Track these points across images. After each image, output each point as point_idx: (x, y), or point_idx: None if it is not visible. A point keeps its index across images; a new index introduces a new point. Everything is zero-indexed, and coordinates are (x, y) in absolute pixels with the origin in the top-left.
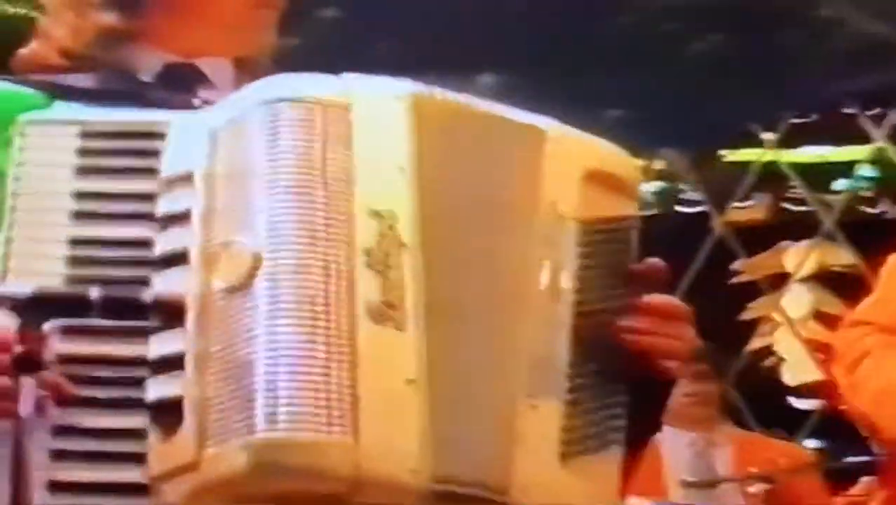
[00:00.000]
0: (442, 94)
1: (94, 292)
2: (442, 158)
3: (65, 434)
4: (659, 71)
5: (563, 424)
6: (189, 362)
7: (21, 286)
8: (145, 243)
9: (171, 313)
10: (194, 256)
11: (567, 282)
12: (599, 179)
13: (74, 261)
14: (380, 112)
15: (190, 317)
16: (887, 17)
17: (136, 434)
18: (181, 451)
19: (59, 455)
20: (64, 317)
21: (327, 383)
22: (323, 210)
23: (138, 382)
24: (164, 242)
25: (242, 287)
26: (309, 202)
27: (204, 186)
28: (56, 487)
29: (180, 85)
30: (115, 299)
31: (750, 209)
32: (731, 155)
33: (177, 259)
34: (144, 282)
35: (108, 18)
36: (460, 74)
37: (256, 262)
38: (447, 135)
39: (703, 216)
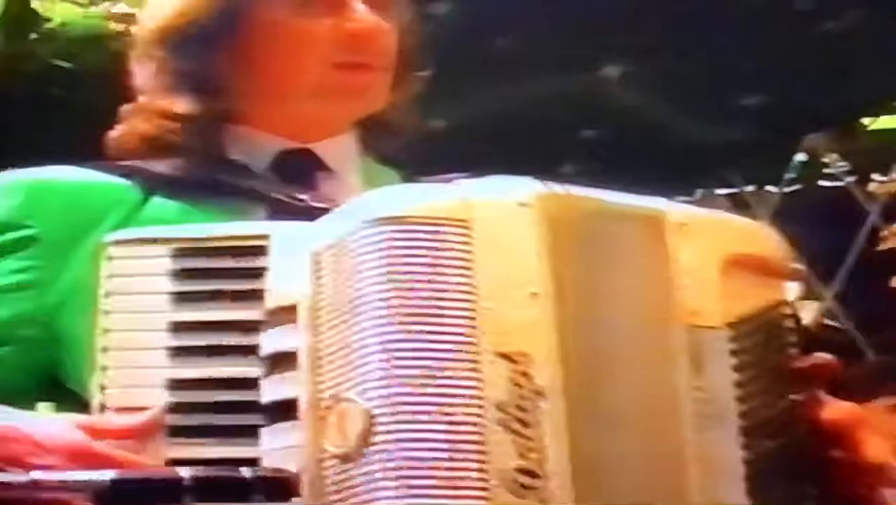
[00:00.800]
0: (566, 192)
1: (186, 473)
2: (577, 273)
3: None
4: (793, 52)
5: None
6: None
7: (101, 474)
8: (250, 384)
9: (276, 490)
10: (303, 410)
11: (728, 399)
12: (738, 265)
13: (176, 407)
14: (503, 224)
15: (302, 492)
16: None
17: None
18: None
19: None
20: (153, 502)
21: None
22: (442, 354)
23: None
24: (271, 390)
25: (355, 456)
26: (424, 346)
27: (309, 322)
28: None
29: (296, 176)
30: (212, 480)
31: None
32: (873, 124)
33: (284, 411)
34: (251, 432)
35: (189, 104)
36: (586, 69)
37: (368, 424)
38: (580, 243)
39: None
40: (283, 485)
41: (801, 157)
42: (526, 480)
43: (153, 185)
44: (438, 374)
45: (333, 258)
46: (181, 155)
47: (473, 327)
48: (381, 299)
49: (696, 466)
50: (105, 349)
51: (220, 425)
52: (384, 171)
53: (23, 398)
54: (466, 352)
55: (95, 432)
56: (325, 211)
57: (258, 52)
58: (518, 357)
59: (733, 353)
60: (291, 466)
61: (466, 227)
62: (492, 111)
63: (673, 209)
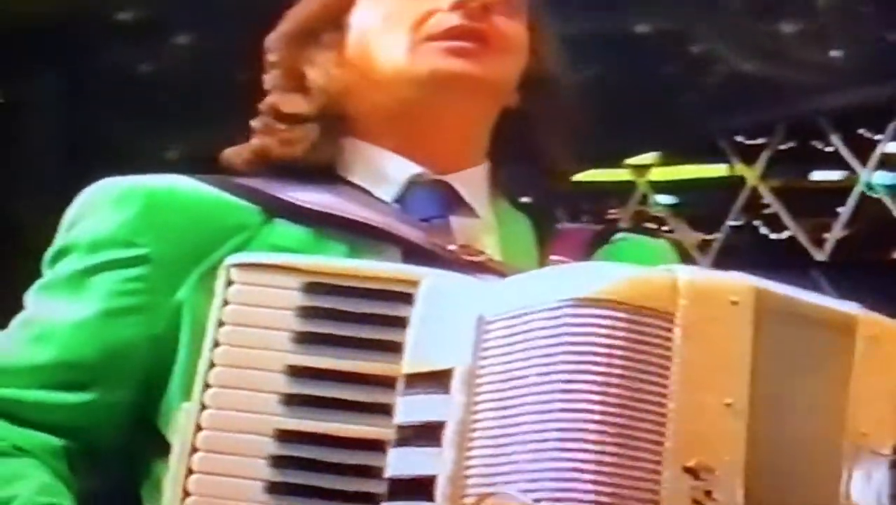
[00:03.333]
0: (774, 290)
1: None
2: (770, 384)
3: None
4: None
5: None
6: None
7: None
8: (375, 446)
9: None
10: (440, 493)
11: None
12: None
13: (280, 460)
14: (711, 321)
15: None
16: None
17: None
18: None
19: None
20: None
21: None
22: (624, 458)
23: None
24: (402, 462)
25: None
26: (601, 450)
27: (465, 393)
28: None
29: (429, 211)
30: None
31: None
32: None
33: (414, 490)
34: (368, 500)
35: (301, 103)
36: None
37: None
38: (779, 351)
39: None
40: None
41: None
42: None
43: (277, 208)
44: (618, 482)
45: (510, 330)
46: (296, 172)
47: (662, 434)
48: (567, 385)
49: None
50: (208, 385)
51: (329, 489)
52: (518, 217)
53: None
54: (650, 459)
55: None
56: (475, 265)
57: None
58: (703, 472)
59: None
60: None
61: (671, 321)
62: None
63: (864, 318)
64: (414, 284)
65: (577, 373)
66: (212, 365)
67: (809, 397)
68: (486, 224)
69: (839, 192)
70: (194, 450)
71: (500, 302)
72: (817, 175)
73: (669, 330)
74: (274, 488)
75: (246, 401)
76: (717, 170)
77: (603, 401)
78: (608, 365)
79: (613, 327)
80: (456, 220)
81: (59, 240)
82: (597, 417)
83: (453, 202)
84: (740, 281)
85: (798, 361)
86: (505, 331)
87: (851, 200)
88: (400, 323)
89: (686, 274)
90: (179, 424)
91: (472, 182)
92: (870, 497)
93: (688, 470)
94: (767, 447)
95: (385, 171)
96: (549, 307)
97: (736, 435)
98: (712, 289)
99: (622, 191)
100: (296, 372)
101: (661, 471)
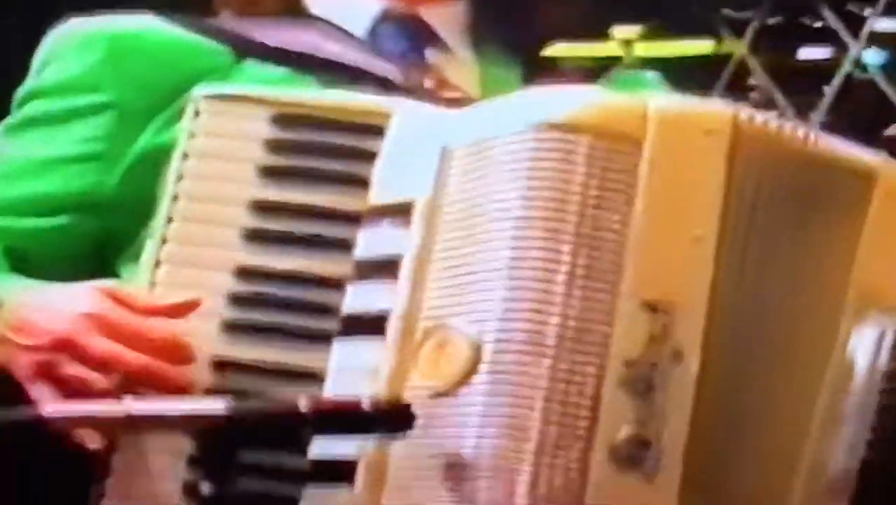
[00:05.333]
0: (764, 123)
1: (304, 405)
2: (752, 223)
3: None
4: None
5: None
6: (360, 475)
7: (211, 404)
8: (333, 284)
9: (395, 422)
10: (394, 329)
11: (871, 395)
12: None
13: (238, 300)
14: (683, 152)
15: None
16: None
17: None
18: None
19: None
20: (268, 436)
21: None
22: (578, 294)
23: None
24: (359, 298)
25: (447, 393)
26: (562, 281)
27: (424, 227)
28: None
29: (403, 46)
30: (332, 411)
31: None
32: None
33: (369, 325)
34: (322, 341)
35: None
36: None
37: (473, 360)
38: (766, 188)
39: None
40: (403, 418)
41: None
42: (636, 451)
43: (248, 48)
44: (570, 313)
45: (472, 160)
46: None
47: (619, 265)
48: (522, 217)
49: (806, 474)
50: (169, 220)
51: (286, 328)
52: (505, 63)
53: (70, 272)
54: (605, 291)
55: (118, 302)
56: (451, 102)
57: None
58: (662, 308)
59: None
60: (361, 390)
61: (638, 148)
62: None
63: (887, 168)
64: (385, 116)
65: (533, 201)
66: (175, 198)
67: (801, 244)
68: (465, 62)
69: (827, 70)
70: (153, 286)
71: (466, 131)
72: (805, 52)
73: (636, 158)
74: (232, 326)
75: (207, 236)
76: (704, 46)
77: (556, 230)
78: (565, 193)
79: (573, 153)
80: (432, 55)
81: (29, 82)
82: (549, 247)
83: (427, 37)
84: (717, 109)
85: (795, 208)
86: (467, 160)
87: (839, 78)
88: (369, 157)
89: (659, 101)
90: (142, 262)
91: (446, 18)
92: (876, 358)
93: (646, 304)
94: (738, 287)
95: (354, 3)
96: (512, 133)
97: (700, 271)
98: (685, 117)
99: (608, 67)
100: (260, 207)
101: (618, 306)
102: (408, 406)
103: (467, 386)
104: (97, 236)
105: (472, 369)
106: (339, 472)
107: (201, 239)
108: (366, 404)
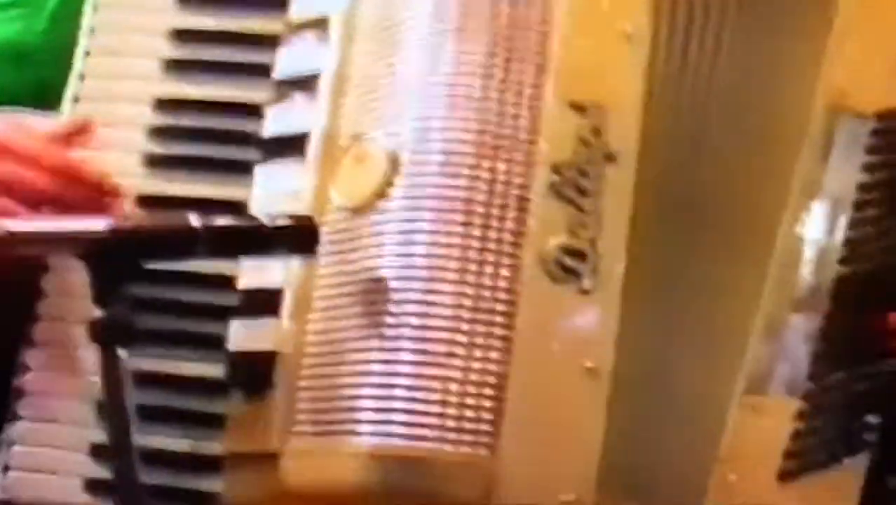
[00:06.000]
0: None
1: (198, 223)
2: (692, 22)
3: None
4: None
5: (793, 429)
6: (287, 304)
7: (93, 223)
8: (253, 111)
9: (298, 241)
10: (314, 147)
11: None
12: None
13: (158, 132)
14: None
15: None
16: None
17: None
18: (262, 431)
19: None
20: (158, 257)
21: (464, 373)
22: (498, 97)
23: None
24: (278, 120)
25: (366, 209)
26: (480, 85)
27: (340, 41)
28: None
29: None
30: (228, 231)
31: None
32: None
33: (289, 147)
34: (244, 169)
35: None
36: None
37: (389, 171)
38: None
39: None
40: (305, 235)
41: None
42: (570, 261)
43: None
44: (491, 118)
45: None
46: None
47: (543, 66)
48: (435, 24)
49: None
50: (88, 53)
51: (208, 158)
52: None
53: None
54: (529, 95)
55: (20, 130)
56: None
57: None
58: (592, 108)
59: (871, 150)
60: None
61: None
62: None
63: None
64: None
65: (446, 5)
66: (91, 31)
67: (763, 48)
68: None
69: None
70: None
71: None
72: None
73: None
74: (153, 160)
75: (125, 69)
76: None
77: (472, 30)
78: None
79: None
80: None
81: None
82: (465, 50)
83: None
84: None
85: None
86: None
87: None
88: None
89: None
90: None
91: None
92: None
93: (573, 105)
94: (679, 88)
95: None
96: None
97: (632, 70)
98: None
99: None
100: (178, 35)
101: (543, 107)
102: (310, 223)
103: (384, 201)
104: (32, 90)
105: (388, 183)
106: (264, 303)
107: (119, 72)
108: (265, 223)
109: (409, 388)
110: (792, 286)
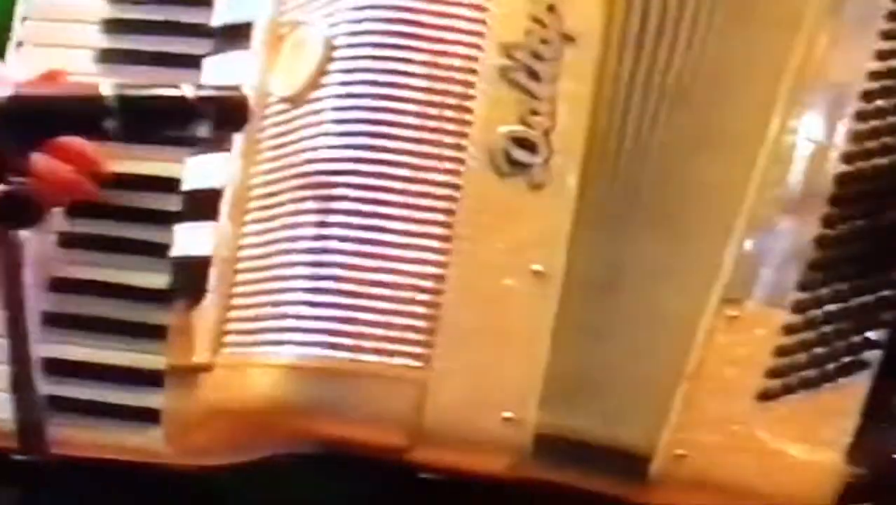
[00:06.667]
0: None
1: (109, 91)
2: None
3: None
4: None
5: (777, 344)
6: (225, 206)
7: None
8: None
9: (224, 115)
10: (258, 38)
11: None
12: None
13: (108, 23)
14: None
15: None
16: None
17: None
18: (195, 343)
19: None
20: (68, 130)
21: (395, 276)
22: (434, 37)
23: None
24: (224, 13)
25: (302, 97)
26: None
27: None
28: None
29: None
30: (143, 100)
31: None
32: None
33: (235, 35)
34: (193, 63)
35: None
36: None
37: (325, 57)
38: None
39: None
40: (233, 108)
41: None
42: (520, 153)
43: None
44: (433, 67)
45: None
46: None
47: None
48: None
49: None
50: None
51: (156, 52)
52: None
53: None
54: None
55: None
56: None
57: None
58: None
59: (887, 35)
60: None
61: None
62: None
63: None
64: None
65: None
66: None
67: None
68: None
69: None
70: None
71: None
72: None
73: None
74: (105, 56)
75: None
76: None
77: None
78: None
79: None
80: None
81: None
82: None
83: None
84: None
85: None
86: None
87: None
88: None
89: None
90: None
91: None
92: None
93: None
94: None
95: None
96: None
97: None
98: None
99: None
100: None
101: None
102: (239, 95)
103: (320, 89)
104: None
105: (322, 69)
106: (205, 205)
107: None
108: (187, 93)
109: (335, 292)
110: (782, 185)
